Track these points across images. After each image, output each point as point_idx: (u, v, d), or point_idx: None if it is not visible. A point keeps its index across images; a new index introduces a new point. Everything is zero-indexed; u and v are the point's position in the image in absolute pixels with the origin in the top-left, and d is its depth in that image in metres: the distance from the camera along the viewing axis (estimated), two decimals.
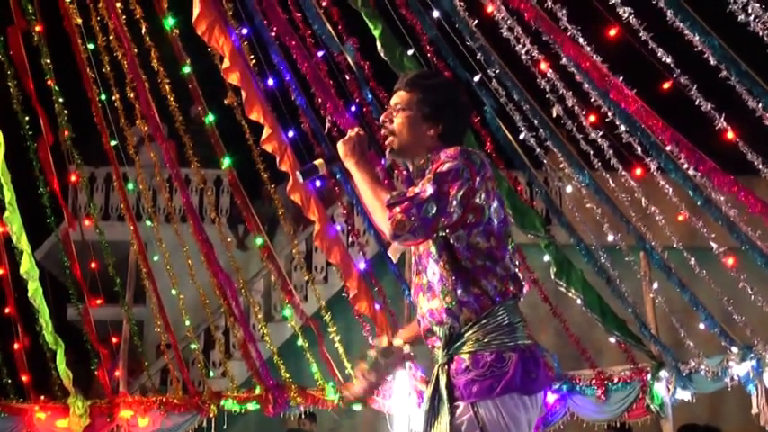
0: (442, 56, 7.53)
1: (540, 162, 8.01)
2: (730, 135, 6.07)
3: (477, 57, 7.23)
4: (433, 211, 2.76)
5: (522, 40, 6.92)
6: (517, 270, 2.92)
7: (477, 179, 2.84)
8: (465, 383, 2.82)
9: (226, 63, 7.62)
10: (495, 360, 2.80)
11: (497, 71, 7.23)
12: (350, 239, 11.00)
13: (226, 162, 8.77)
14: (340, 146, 3.02)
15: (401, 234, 2.76)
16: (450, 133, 3.03)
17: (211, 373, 10.99)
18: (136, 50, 8.57)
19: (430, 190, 2.76)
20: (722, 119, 6.02)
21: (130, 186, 10.73)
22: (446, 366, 2.88)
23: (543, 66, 7.00)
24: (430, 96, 3.03)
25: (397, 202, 2.77)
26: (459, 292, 2.86)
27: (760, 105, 5.81)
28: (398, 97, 3.07)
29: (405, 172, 8.89)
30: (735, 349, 7.58)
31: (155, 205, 11.85)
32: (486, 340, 2.83)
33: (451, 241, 2.87)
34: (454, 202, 2.78)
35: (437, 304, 2.91)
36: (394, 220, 2.75)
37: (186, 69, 8.38)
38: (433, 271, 2.93)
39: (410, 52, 7.46)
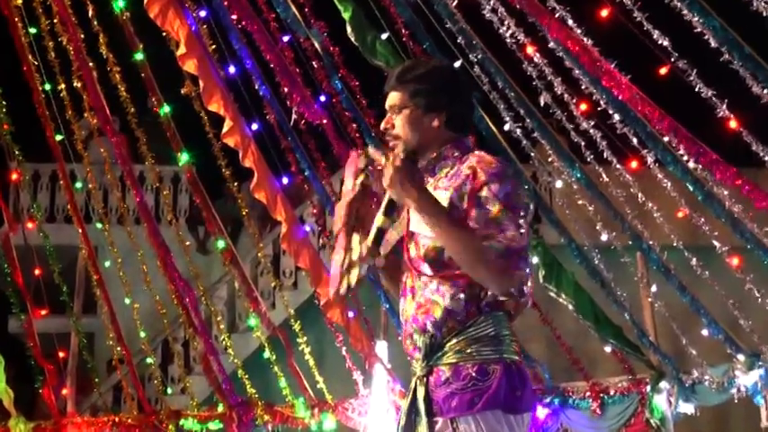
0: (418, 40, 7.51)
1: (528, 155, 8.00)
2: (733, 124, 6.09)
3: (458, 40, 7.22)
4: (528, 253, 2.82)
5: (506, 22, 6.91)
6: (523, 284, 2.84)
7: (527, 193, 2.91)
8: (444, 397, 2.83)
9: (182, 49, 7.56)
10: (477, 373, 2.81)
11: (480, 56, 7.22)
12: (321, 241, 10.97)
13: (184, 158, 8.71)
14: (389, 182, 2.85)
15: (517, 290, 2.77)
16: (457, 119, 3.06)
17: (169, 390, 10.93)
18: (82, 35, 8.50)
19: (514, 228, 2.77)
20: (724, 106, 6.04)
21: (78, 185, 10.64)
22: (425, 379, 2.90)
23: (530, 50, 7.00)
24: (422, 86, 3.04)
25: (506, 252, 2.75)
26: (447, 299, 2.87)
27: (765, 91, 5.82)
28: (391, 99, 3.08)
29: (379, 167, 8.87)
30: (741, 357, 7.60)
31: (106, 206, 11.79)
32: (468, 351, 2.84)
33: None
34: (529, 230, 2.86)
35: (422, 310, 2.92)
36: (517, 279, 2.76)
37: (138, 56, 8.31)
38: (424, 274, 2.94)
39: (384, 36, 7.44)
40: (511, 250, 2.74)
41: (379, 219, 2.91)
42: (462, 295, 2.86)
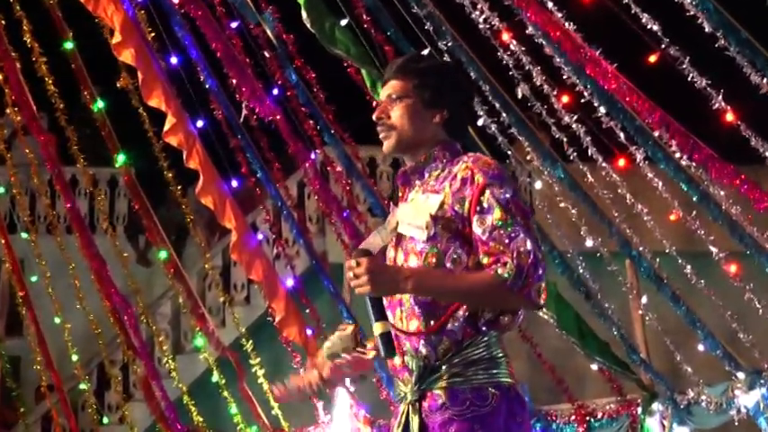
0: (381, 26, 7.51)
1: (505, 153, 8.00)
2: (730, 117, 6.11)
3: (426, 26, 7.22)
4: (542, 257, 2.90)
5: (479, 6, 6.92)
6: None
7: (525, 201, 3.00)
8: (441, 423, 2.90)
9: (117, 37, 7.50)
10: (475, 398, 2.89)
11: (449, 44, 7.23)
12: (275, 251, 10.93)
13: (121, 159, 8.67)
14: (372, 289, 2.88)
15: (544, 294, 2.89)
16: (456, 121, 3.20)
17: (106, 420, 10.88)
18: (3, 22, 8.43)
19: (522, 235, 2.86)
20: (720, 97, 6.06)
21: (1, 190, 10.55)
22: (417, 404, 2.96)
23: (505, 36, 7.00)
24: (428, 80, 3.16)
25: (518, 274, 2.82)
26: (449, 318, 2.93)
27: (765, 81, 5.85)
28: (390, 88, 3.19)
29: (338, 168, 8.86)
30: (741, 375, 7.63)
31: (32, 213, 11.68)
32: (465, 374, 2.91)
33: (454, 256, 2.96)
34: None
35: (414, 326, 2.97)
36: (535, 292, 2.85)
37: (68, 45, 8.26)
38: None
39: (343, 23, 7.43)
40: (522, 268, 2.83)
41: (377, 327, 2.90)
42: (460, 312, 2.92)
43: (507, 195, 2.91)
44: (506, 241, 2.84)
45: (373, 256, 2.96)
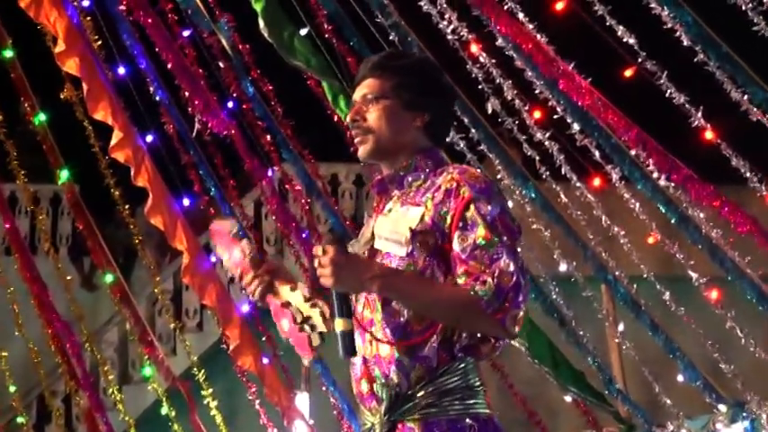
0: (344, 36, 7.52)
1: None
2: (710, 135, 6.17)
3: (390, 37, 7.24)
4: (526, 283, 2.84)
5: (446, 16, 6.95)
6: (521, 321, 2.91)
7: (515, 220, 2.95)
8: None
9: (60, 45, 7.46)
10: (451, 430, 2.83)
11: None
12: (230, 274, 10.89)
13: (64, 175, 8.61)
14: (335, 282, 2.83)
15: (520, 324, 2.81)
16: (438, 125, 3.15)
17: None
18: None
19: (506, 257, 2.80)
20: (700, 114, 6.12)
21: None
22: None
23: (474, 48, 7.04)
24: (408, 79, 3.10)
25: (496, 295, 2.76)
26: (422, 343, 2.87)
27: (746, 97, 5.91)
28: (366, 87, 3.12)
29: (297, 186, 8.86)
30: (723, 407, 7.69)
31: None
32: (441, 404, 2.85)
33: (430, 275, 2.90)
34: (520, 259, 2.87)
35: (386, 352, 2.90)
36: (511, 319, 2.78)
37: (7, 53, 8.22)
38: (395, 307, 2.93)
39: (303, 32, 7.44)
40: (502, 290, 2.76)
41: (338, 324, 2.86)
42: (434, 337, 2.87)
43: (494, 213, 2.85)
44: (488, 261, 2.77)
45: (343, 246, 2.89)
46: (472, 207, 2.85)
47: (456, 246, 2.83)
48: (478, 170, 3.03)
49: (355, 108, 3.13)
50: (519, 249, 2.87)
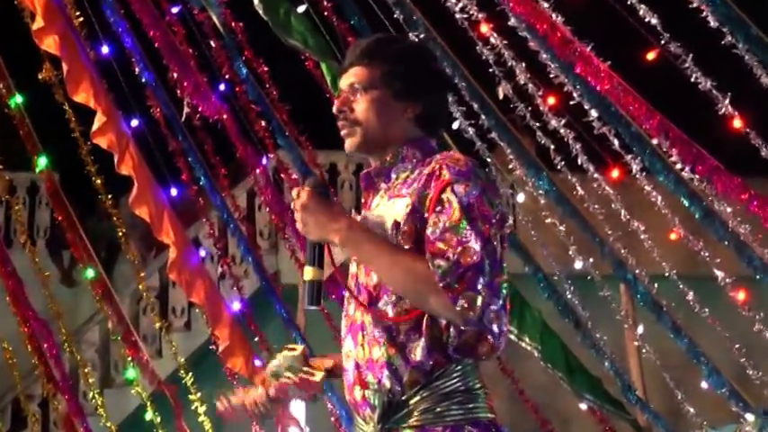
0: (344, 14, 7.52)
1: (483, 161, 8.04)
2: (738, 123, 6.16)
3: (395, 15, 7.24)
4: (493, 273, 2.81)
5: None
6: (502, 323, 2.88)
7: (500, 203, 2.96)
8: None
9: (38, 22, 7.48)
10: None
11: (422, 36, 7.24)
12: (220, 270, 10.90)
13: (42, 162, 8.62)
14: (301, 226, 2.98)
15: (475, 315, 2.77)
16: (431, 115, 3.16)
17: None
18: None
19: (474, 240, 2.80)
20: (727, 101, 6.11)
21: None
22: None
23: (485, 29, 7.04)
24: (399, 68, 3.12)
25: (452, 270, 2.77)
26: (411, 343, 2.89)
27: None
28: (354, 75, 3.14)
29: (293, 176, 8.87)
30: (750, 417, 7.69)
31: None
32: (438, 410, 2.87)
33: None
34: (498, 247, 2.86)
35: (377, 354, 2.93)
36: (466, 301, 2.76)
37: None
38: (377, 309, 2.95)
39: (300, 9, 7.44)
40: (461, 267, 2.77)
41: (307, 272, 2.96)
42: (432, 340, 2.88)
43: (471, 195, 2.85)
44: (455, 243, 2.79)
45: (321, 191, 3.00)
46: (449, 189, 2.87)
47: (428, 229, 2.86)
48: (463, 155, 3.04)
49: (342, 98, 3.15)
50: (495, 234, 2.87)
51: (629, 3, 6.13)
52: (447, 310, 2.79)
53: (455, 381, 2.87)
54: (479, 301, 2.76)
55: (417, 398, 2.87)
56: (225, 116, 8.08)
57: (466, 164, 2.93)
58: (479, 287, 2.76)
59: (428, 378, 2.87)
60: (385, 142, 3.10)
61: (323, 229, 2.93)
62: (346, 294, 3.08)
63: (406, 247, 2.91)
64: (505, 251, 2.98)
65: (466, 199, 2.84)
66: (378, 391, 2.92)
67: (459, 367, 2.88)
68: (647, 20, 6.10)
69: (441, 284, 2.76)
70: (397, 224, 2.93)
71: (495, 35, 7.03)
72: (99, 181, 8.52)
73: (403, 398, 2.88)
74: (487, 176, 2.98)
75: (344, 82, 3.16)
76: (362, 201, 3.23)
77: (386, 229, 2.96)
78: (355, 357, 2.99)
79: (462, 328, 2.84)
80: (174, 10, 7.98)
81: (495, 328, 2.80)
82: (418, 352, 2.87)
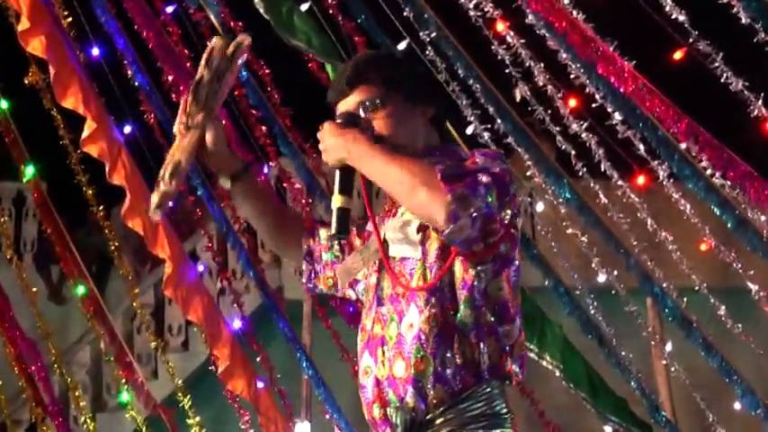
0: (350, 13, 7.53)
1: None
2: None
3: (404, 13, 7.25)
4: (496, 203, 2.84)
5: None
6: (482, 221, 2.88)
7: (518, 192, 3.01)
8: None
9: (24, 23, 7.50)
10: None
11: (434, 34, 7.26)
12: (219, 285, 10.92)
13: (29, 171, 8.65)
14: (324, 154, 3.09)
15: (463, 214, 2.76)
16: (442, 116, 3.29)
17: None
18: None
19: (484, 177, 2.83)
20: (759, 103, 6.11)
21: None
22: None
23: (501, 27, 7.05)
24: (398, 74, 3.21)
25: (456, 175, 2.81)
26: (438, 360, 2.91)
27: None
28: (359, 95, 3.18)
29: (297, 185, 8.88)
30: None
31: None
32: None
33: (474, 282, 2.93)
34: (506, 210, 2.91)
35: (400, 371, 2.94)
36: (455, 194, 2.77)
37: None
38: (411, 321, 2.96)
39: (303, 7, 7.45)
40: (465, 171, 2.84)
41: (336, 199, 3.08)
42: (457, 357, 2.90)
43: (493, 164, 2.90)
44: (465, 173, 2.86)
45: (346, 118, 3.12)
46: (470, 159, 2.94)
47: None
48: (490, 150, 3.08)
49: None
50: (504, 198, 2.90)
51: None
52: (433, 201, 2.78)
53: (482, 404, 2.90)
54: (469, 203, 2.78)
55: (442, 419, 2.90)
56: (223, 121, 8.09)
57: (493, 150, 3.04)
58: (478, 196, 2.79)
59: (455, 399, 2.89)
60: (413, 151, 3.09)
61: (336, 150, 3.03)
62: (364, 309, 3.11)
63: (434, 247, 2.96)
64: (516, 244, 3.02)
65: (486, 163, 2.89)
66: (400, 409, 2.94)
67: (487, 389, 2.91)
68: (673, 17, 6.10)
69: (439, 175, 2.79)
70: (423, 226, 2.97)
71: (511, 34, 7.04)
72: (89, 191, 8.55)
73: (427, 417, 2.91)
74: (511, 171, 3.01)
75: (349, 105, 3.19)
76: (387, 209, 3.27)
77: (411, 233, 3.01)
78: (376, 374, 3.01)
79: (443, 229, 2.81)
80: (169, 9, 7.99)
81: (479, 233, 2.82)
82: (449, 371, 2.89)
